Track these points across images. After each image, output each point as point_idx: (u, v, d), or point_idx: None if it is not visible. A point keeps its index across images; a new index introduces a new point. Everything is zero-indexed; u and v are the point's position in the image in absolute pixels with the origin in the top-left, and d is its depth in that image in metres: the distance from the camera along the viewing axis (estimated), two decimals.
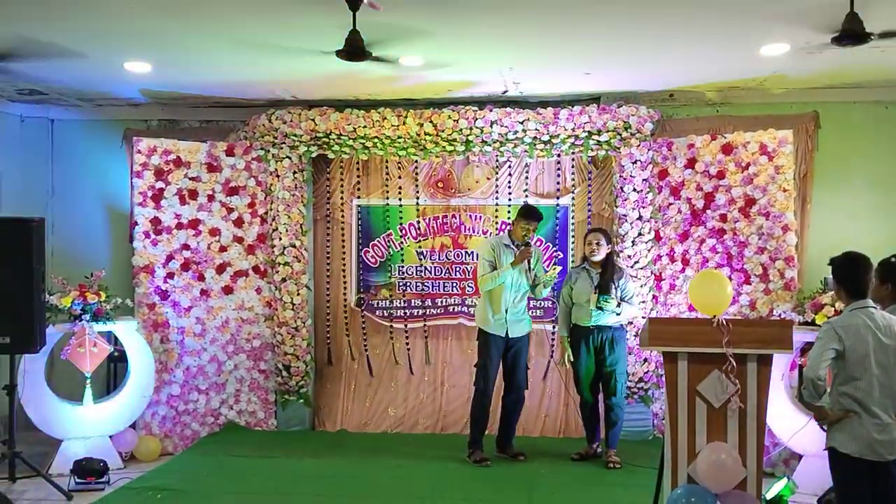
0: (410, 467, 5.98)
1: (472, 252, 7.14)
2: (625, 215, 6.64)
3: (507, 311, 5.98)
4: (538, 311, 6.98)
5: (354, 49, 4.68)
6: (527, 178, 7.12)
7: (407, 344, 7.26)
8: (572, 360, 6.08)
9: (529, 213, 6.01)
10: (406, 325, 7.27)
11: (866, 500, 3.72)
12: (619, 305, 5.88)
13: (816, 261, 6.46)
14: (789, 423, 5.67)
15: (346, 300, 7.35)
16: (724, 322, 4.00)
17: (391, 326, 7.28)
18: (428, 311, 7.25)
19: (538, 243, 6.93)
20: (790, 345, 4.07)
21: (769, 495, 4.98)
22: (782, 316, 6.02)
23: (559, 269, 6.20)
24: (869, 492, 3.71)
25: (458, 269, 7.23)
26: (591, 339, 5.99)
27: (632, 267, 6.59)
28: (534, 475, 5.76)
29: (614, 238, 6.59)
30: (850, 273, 3.85)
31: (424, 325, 7.25)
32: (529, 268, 6.01)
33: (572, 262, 6.99)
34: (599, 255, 5.99)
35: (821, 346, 3.74)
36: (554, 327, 7.03)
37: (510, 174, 7.13)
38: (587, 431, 6.23)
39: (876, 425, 3.66)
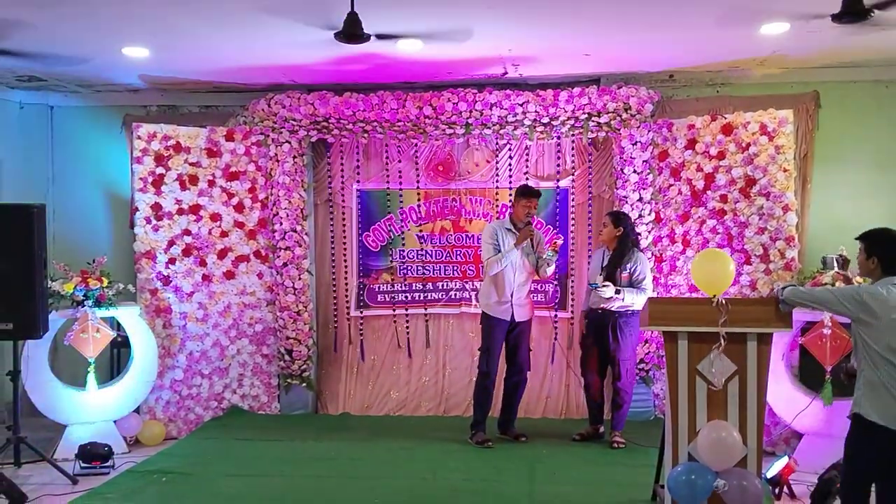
0: (413, 449, 6.01)
1: (473, 235, 7.14)
2: (625, 197, 6.64)
3: (512, 295, 6.00)
4: (539, 296, 7.00)
5: (353, 31, 4.67)
6: (527, 160, 7.11)
7: (408, 328, 7.28)
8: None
9: (527, 192, 6.06)
10: (407, 309, 7.29)
11: (878, 467, 3.71)
12: (618, 291, 5.81)
13: (817, 240, 6.48)
14: (790, 403, 5.70)
15: (347, 284, 7.35)
16: (724, 301, 4.01)
17: (393, 310, 7.30)
18: (429, 294, 7.26)
19: (538, 226, 6.94)
20: (790, 324, 4.08)
21: (770, 474, 5.01)
22: None
23: (562, 240, 6.16)
24: (886, 460, 3.68)
25: (458, 252, 7.23)
26: (598, 322, 6.00)
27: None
28: (535, 455, 5.79)
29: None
30: (889, 248, 3.77)
31: (426, 308, 7.26)
32: (533, 247, 6.03)
33: (572, 244, 7.01)
34: (605, 238, 6.01)
35: (841, 296, 3.74)
36: (556, 315, 7.05)
37: (510, 157, 7.12)
38: (590, 413, 6.25)
39: None
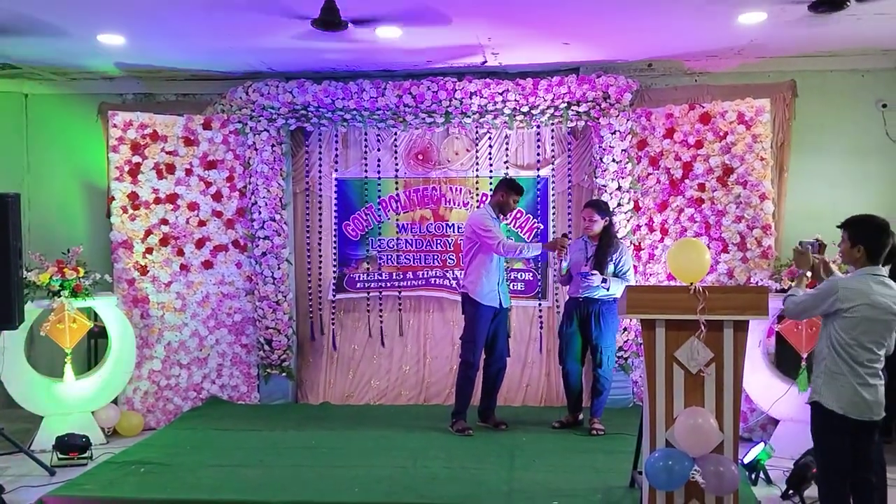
0: (393, 437, 6.01)
1: (454, 224, 7.15)
2: (604, 186, 6.66)
3: (499, 283, 6.04)
4: (519, 285, 7.04)
5: (330, 18, 4.64)
6: (507, 149, 7.11)
7: (382, 317, 7.27)
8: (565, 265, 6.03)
9: (516, 187, 6.05)
10: (387, 298, 7.28)
11: (846, 454, 3.76)
12: (605, 281, 5.85)
13: (793, 229, 6.52)
14: (767, 389, 5.76)
15: (323, 274, 7.33)
16: (701, 289, 4.04)
17: (372, 299, 7.28)
18: (409, 283, 7.25)
19: (520, 214, 6.97)
20: (766, 311, 4.11)
21: (746, 459, 5.07)
22: (759, 284, 6.09)
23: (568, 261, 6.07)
24: (849, 447, 3.74)
25: (438, 241, 7.23)
26: (579, 311, 6.03)
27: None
28: (515, 443, 5.81)
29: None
30: (875, 237, 3.78)
31: (402, 296, 7.24)
32: (560, 257, 5.99)
33: (553, 233, 7.02)
34: (594, 230, 6.01)
35: (819, 298, 3.80)
36: (540, 304, 7.08)
37: (490, 146, 7.12)
38: (569, 401, 6.28)
39: (862, 385, 3.69)
